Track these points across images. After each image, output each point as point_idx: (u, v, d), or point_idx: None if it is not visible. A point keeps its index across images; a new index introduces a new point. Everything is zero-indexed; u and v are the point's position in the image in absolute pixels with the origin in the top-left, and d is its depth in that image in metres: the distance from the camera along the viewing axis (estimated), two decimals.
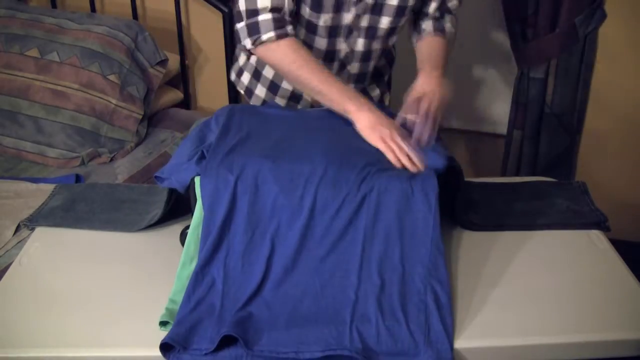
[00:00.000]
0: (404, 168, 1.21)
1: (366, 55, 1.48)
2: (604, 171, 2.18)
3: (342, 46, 1.44)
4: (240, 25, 1.35)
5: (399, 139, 1.23)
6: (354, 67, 1.49)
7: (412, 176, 1.18)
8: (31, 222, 1.38)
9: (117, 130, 2.04)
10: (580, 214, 1.37)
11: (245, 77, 1.61)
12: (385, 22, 1.42)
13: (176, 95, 2.39)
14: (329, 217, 1.15)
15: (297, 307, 1.09)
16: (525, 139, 2.13)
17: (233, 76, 1.66)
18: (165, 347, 1.02)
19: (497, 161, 2.28)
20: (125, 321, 1.10)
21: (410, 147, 1.23)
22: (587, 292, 1.16)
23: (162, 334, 1.03)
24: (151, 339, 1.04)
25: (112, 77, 2.04)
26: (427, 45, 1.47)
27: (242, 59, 1.61)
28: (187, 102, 2.49)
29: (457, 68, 2.31)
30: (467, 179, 1.37)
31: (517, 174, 2.19)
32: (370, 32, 1.43)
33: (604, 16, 1.97)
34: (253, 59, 1.56)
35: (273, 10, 1.31)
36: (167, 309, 1.10)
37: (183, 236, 1.26)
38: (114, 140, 2.04)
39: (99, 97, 2.02)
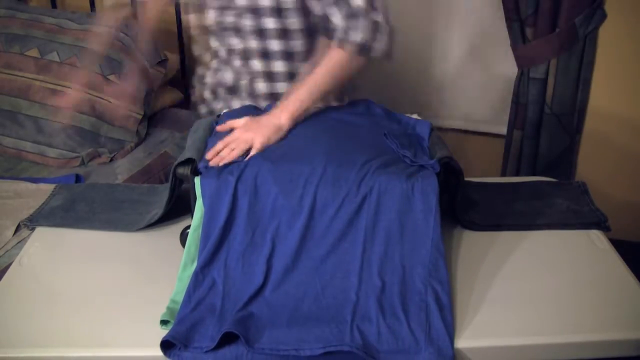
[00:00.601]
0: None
1: (262, 53, 1.47)
2: (604, 171, 2.18)
3: (215, 44, 1.52)
4: None
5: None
6: (254, 64, 1.50)
7: (413, 176, 1.18)
8: (31, 222, 1.38)
9: (117, 130, 2.04)
10: (580, 213, 1.37)
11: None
12: (247, 22, 1.43)
13: (176, 95, 2.38)
14: (328, 218, 1.15)
15: (297, 306, 1.10)
16: (525, 139, 2.13)
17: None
18: (166, 345, 1.03)
19: (497, 161, 2.28)
20: (125, 321, 1.10)
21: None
22: (587, 292, 1.16)
23: (162, 333, 1.03)
24: (151, 338, 1.04)
25: (112, 77, 2.04)
26: (320, 60, 1.37)
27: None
28: (187, 102, 2.49)
29: (457, 68, 2.31)
30: (467, 179, 1.36)
31: (517, 174, 2.19)
32: (258, 32, 1.44)
33: (604, 16, 1.97)
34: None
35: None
36: (168, 308, 1.10)
37: (183, 236, 1.26)
38: (114, 140, 2.04)
39: (99, 97, 2.02)
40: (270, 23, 1.41)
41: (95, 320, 1.10)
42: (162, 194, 1.36)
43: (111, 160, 2.01)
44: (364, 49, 1.34)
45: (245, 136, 1.26)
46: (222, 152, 1.24)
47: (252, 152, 1.24)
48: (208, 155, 1.23)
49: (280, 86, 1.49)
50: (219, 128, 1.34)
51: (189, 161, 1.24)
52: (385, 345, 1.03)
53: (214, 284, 1.13)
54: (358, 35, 1.32)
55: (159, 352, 1.02)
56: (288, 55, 1.46)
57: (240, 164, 1.19)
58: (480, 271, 1.21)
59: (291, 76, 1.48)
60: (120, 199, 1.45)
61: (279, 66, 1.48)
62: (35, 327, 1.08)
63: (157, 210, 1.34)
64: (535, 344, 1.06)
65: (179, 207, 1.35)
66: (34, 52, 2.06)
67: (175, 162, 1.25)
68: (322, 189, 1.15)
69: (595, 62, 2.04)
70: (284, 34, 1.43)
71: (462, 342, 1.05)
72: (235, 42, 1.47)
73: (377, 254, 1.14)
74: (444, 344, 1.03)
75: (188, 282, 1.13)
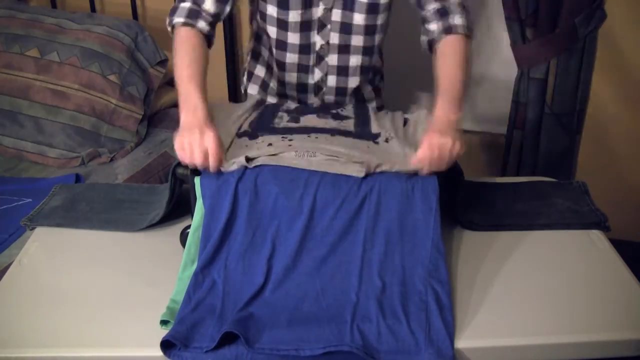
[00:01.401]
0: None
1: (344, 49, 1.48)
2: (604, 171, 2.18)
3: (315, 39, 1.46)
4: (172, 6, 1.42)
5: (197, 145, 1.16)
6: (332, 59, 1.50)
7: (413, 176, 1.18)
8: (31, 222, 1.38)
9: (117, 130, 2.04)
10: (580, 214, 1.37)
11: (245, 78, 1.66)
12: (359, 18, 1.42)
13: (176, 95, 2.37)
14: (329, 218, 1.15)
15: (298, 307, 1.09)
16: (525, 139, 2.13)
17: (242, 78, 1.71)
18: (166, 344, 1.03)
19: (497, 161, 2.28)
20: (125, 321, 1.10)
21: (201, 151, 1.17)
22: (587, 292, 1.16)
23: (162, 334, 1.03)
24: (151, 339, 1.04)
25: (112, 77, 2.04)
26: (442, 58, 1.37)
27: (246, 62, 1.66)
28: None
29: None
30: (467, 178, 1.36)
31: (517, 174, 2.19)
32: (345, 28, 1.44)
33: (604, 16, 1.97)
34: (248, 59, 1.63)
35: (194, 1, 1.39)
36: (168, 308, 1.10)
37: (183, 236, 1.26)
38: (114, 140, 2.04)
39: (99, 97, 2.02)
40: (378, 20, 1.44)
41: (95, 320, 1.10)
42: (163, 193, 1.36)
43: (111, 160, 2.01)
44: (469, 29, 1.40)
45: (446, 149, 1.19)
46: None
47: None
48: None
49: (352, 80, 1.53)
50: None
51: None
52: (385, 346, 1.03)
53: (214, 284, 1.13)
54: (460, 18, 1.38)
55: (159, 352, 1.02)
56: (367, 50, 1.49)
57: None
58: (480, 271, 1.21)
59: (346, 70, 1.51)
60: (120, 198, 1.45)
61: (353, 60, 1.50)
62: (35, 327, 1.08)
63: (158, 211, 1.34)
64: (535, 344, 1.06)
65: (179, 207, 1.35)
66: (34, 52, 2.06)
67: (175, 162, 1.25)
68: (323, 189, 1.15)
69: (595, 62, 2.04)
70: (372, 30, 1.46)
71: (462, 342, 1.05)
72: (336, 37, 1.46)
73: (377, 254, 1.14)
74: (444, 344, 1.03)
75: (188, 282, 1.13)
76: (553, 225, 1.34)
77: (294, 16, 1.41)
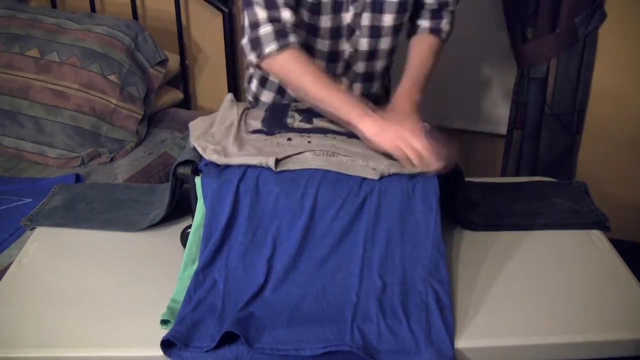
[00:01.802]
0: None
1: (371, 55, 1.46)
2: (604, 171, 2.18)
3: (345, 46, 1.43)
4: (244, 41, 1.34)
5: (409, 138, 1.18)
6: (359, 67, 1.48)
7: (413, 176, 1.18)
8: (31, 222, 1.38)
9: (117, 130, 2.04)
10: (580, 214, 1.37)
11: (254, 85, 1.59)
12: (388, 19, 1.40)
13: (176, 95, 2.39)
14: (329, 218, 1.15)
15: (298, 306, 1.10)
16: (525, 139, 2.13)
17: (245, 84, 1.65)
18: (166, 344, 1.03)
19: (497, 161, 2.28)
20: (125, 321, 1.10)
21: (423, 145, 1.17)
22: (587, 292, 1.16)
23: (162, 334, 1.03)
24: (151, 338, 1.04)
25: (112, 77, 2.04)
26: (419, 47, 1.45)
27: (252, 68, 1.60)
28: (187, 102, 2.49)
29: (458, 68, 2.31)
30: (467, 179, 1.36)
31: (517, 174, 2.19)
32: (374, 31, 1.41)
33: (604, 16, 1.97)
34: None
35: (272, 21, 1.30)
36: (168, 307, 1.10)
37: (183, 236, 1.26)
38: (114, 140, 2.04)
39: (99, 97, 2.02)
40: (405, 17, 1.44)
41: (95, 320, 1.10)
42: (163, 193, 1.36)
43: (111, 160, 2.01)
44: (447, 38, 1.47)
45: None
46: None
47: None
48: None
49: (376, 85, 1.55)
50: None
51: (189, 161, 1.24)
52: (386, 346, 1.03)
53: (214, 284, 1.13)
54: (448, 25, 1.46)
55: (159, 352, 1.02)
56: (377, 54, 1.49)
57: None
58: (480, 271, 1.21)
59: (372, 75, 1.51)
60: (120, 198, 1.45)
61: (378, 65, 1.50)
62: (35, 327, 1.08)
63: (159, 211, 1.34)
64: (535, 344, 1.06)
65: (179, 207, 1.34)
66: (34, 52, 2.06)
67: (175, 162, 1.25)
68: (323, 190, 1.15)
69: (595, 62, 2.04)
70: (398, 29, 1.46)
71: (462, 342, 1.05)
72: (365, 43, 1.43)
73: (378, 254, 1.14)
74: (444, 344, 1.03)
75: (189, 282, 1.13)
76: (553, 225, 1.34)
77: (325, 22, 1.37)
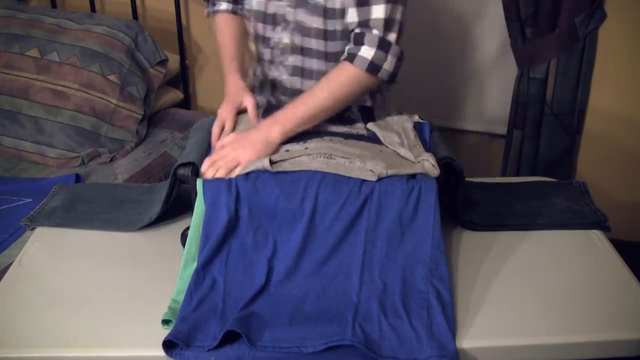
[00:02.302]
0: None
1: (300, 50, 1.43)
2: (604, 171, 2.18)
3: (271, 34, 1.45)
4: None
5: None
6: (287, 59, 1.46)
7: (413, 177, 1.18)
8: (32, 222, 1.38)
9: (117, 130, 2.04)
10: (580, 213, 1.37)
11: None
12: (315, 21, 1.36)
13: (176, 95, 2.39)
14: (330, 219, 1.15)
15: (299, 306, 1.10)
16: (525, 139, 2.13)
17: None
18: (168, 344, 1.03)
19: (497, 161, 2.28)
20: (126, 321, 1.10)
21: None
22: (587, 292, 1.16)
23: (162, 333, 1.03)
24: (151, 339, 1.04)
25: (112, 77, 2.04)
26: (326, 76, 1.31)
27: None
28: (187, 102, 2.49)
29: (458, 68, 2.31)
30: (467, 179, 1.36)
31: (517, 174, 2.19)
32: (300, 29, 1.39)
33: (604, 16, 1.97)
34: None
35: None
36: (169, 307, 1.10)
37: (184, 237, 1.26)
38: (114, 140, 2.04)
39: (99, 97, 2.02)
40: (337, 25, 1.36)
41: (95, 320, 1.10)
42: (162, 191, 1.36)
43: (111, 160, 2.01)
44: (373, 68, 1.28)
45: (234, 154, 1.22)
46: (208, 172, 1.20)
47: (237, 171, 1.19)
48: (202, 171, 1.22)
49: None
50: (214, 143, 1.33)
51: (190, 162, 1.24)
52: (387, 342, 1.03)
53: (215, 282, 1.13)
54: (370, 52, 1.27)
55: (159, 352, 1.02)
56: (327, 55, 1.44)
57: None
58: (480, 271, 1.21)
59: (301, 71, 1.49)
60: (120, 198, 1.45)
61: (314, 64, 1.45)
62: (35, 327, 1.08)
63: (156, 208, 1.34)
64: (535, 344, 1.06)
65: (179, 207, 1.35)
66: (34, 52, 2.06)
67: (176, 164, 1.25)
68: (323, 191, 1.15)
69: (595, 62, 2.04)
70: (332, 35, 1.39)
71: (462, 342, 1.05)
72: (287, 37, 1.44)
73: (378, 255, 1.14)
74: (446, 339, 1.03)
75: (189, 281, 1.13)
76: (553, 225, 1.34)
77: (252, 4, 1.46)
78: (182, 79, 2.44)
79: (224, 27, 1.52)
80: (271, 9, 1.42)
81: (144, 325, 1.08)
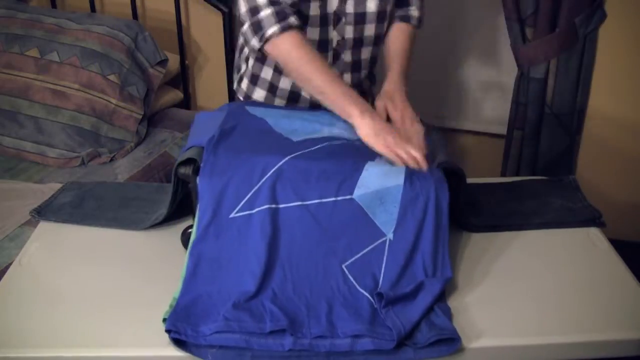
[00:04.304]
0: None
1: (357, 42, 1.46)
2: (604, 171, 2.18)
3: (332, 35, 1.43)
4: (245, 28, 1.34)
5: (404, 145, 1.22)
6: (347, 56, 1.47)
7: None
8: (39, 215, 1.37)
9: (117, 130, 2.04)
10: (574, 211, 1.37)
11: (244, 84, 1.58)
12: (371, 5, 1.41)
13: (176, 95, 2.39)
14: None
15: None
16: (525, 139, 2.13)
17: (235, 85, 1.63)
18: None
19: (497, 161, 2.28)
20: (126, 321, 1.10)
21: (415, 150, 1.22)
22: (586, 291, 1.16)
23: (163, 333, 1.04)
24: (152, 339, 1.04)
25: (112, 77, 2.04)
26: (394, 36, 1.48)
27: (242, 67, 1.59)
28: (187, 102, 2.49)
29: (458, 68, 2.31)
30: (467, 179, 1.36)
31: (517, 174, 2.19)
32: (359, 18, 1.42)
33: (604, 16, 1.97)
34: (251, 63, 1.55)
35: (272, 3, 1.30)
36: (171, 306, 1.10)
37: (184, 236, 1.26)
38: (114, 140, 2.04)
39: (99, 97, 2.02)
40: (389, 5, 1.45)
41: (96, 320, 1.10)
42: (169, 193, 1.35)
43: (111, 160, 2.01)
44: (419, 22, 1.50)
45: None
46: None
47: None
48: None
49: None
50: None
51: (190, 160, 1.23)
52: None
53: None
54: (417, 11, 1.48)
55: (159, 352, 1.02)
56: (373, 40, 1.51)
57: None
58: (479, 272, 1.21)
59: (359, 64, 1.52)
60: (128, 197, 1.44)
61: (365, 53, 1.50)
62: (35, 327, 1.08)
63: (162, 210, 1.34)
64: (535, 344, 1.06)
65: (180, 207, 1.34)
66: (34, 52, 2.06)
67: (176, 162, 1.24)
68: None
69: (595, 62, 2.04)
70: (383, 17, 1.47)
71: (463, 342, 1.05)
72: (350, 30, 1.44)
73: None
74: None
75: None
76: (549, 224, 1.34)
77: (314, 9, 1.37)
78: (182, 79, 2.45)
79: (308, 46, 1.33)
80: (331, 8, 1.39)
81: (144, 325, 1.08)
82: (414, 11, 1.49)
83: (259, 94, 1.55)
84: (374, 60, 1.56)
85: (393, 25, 1.49)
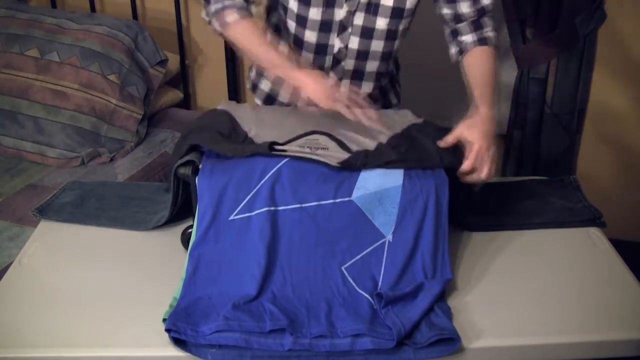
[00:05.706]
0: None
1: (362, 55, 1.46)
2: (604, 171, 2.18)
3: (334, 42, 1.44)
4: (212, 9, 1.38)
5: (346, 95, 1.27)
6: (348, 64, 1.48)
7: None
8: (40, 214, 1.37)
9: (117, 130, 2.04)
10: (574, 211, 1.37)
11: (253, 73, 1.62)
12: (381, 23, 1.41)
13: (176, 95, 2.39)
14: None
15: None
16: (525, 139, 2.13)
17: (247, 72, 1.68)
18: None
19: (497, 161, 2.28)
20: (126, 321, 1.10)
21: (360, 102, 1.27)
22: (586, 291, 1.16)
23: (163, 333, 1.04)
24: (151, 339, 1.04)
25: (112, 77, 2.04)
26: (475, 61, 1.43)
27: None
28: (187, 102, 2.49)
29: (458, 68, 2.31)
30: None
31: (517, 174, 2.19)
32: (366, 32, 1.42)
33: (604, 16, 1.97)
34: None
35: None
36: (171, 306, 1.10)
37: (184, 236, 1.26)
38: (114, 140, 2.04)
39: (99, 97, 2.02)
40: (401, 25, 1.44)
41: (96, 320, 1.10)
42: (171, 193, 1.35)
43: (111, 160, 2.01)
44: (498, 41, 1.46)
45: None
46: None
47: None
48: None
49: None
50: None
51: (190, 161, 1.23)
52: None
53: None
54: (493, 32, 1.45)
55: (159, 352, 1.03)
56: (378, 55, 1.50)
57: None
58: (479, 272, 1.21)
59: (362, 75, 1.51)
60: (130, 196, 1.44)
61: (369, 66, 1.50)
62: (35, 327, 1.08)
63: (165, 212, 1.33)
64: (535, 344, 1.06)
65: (180, 207, 1.34)
66: (34, 52, 2.06)
67: (177, 164, 1.24)
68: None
69: (595, 62, 2.04)
70: (394, 35, 1.46)
71: (463, 342, 1.05)
72: (356, 42, 1.44)
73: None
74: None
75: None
76: (549, 224, 1.34)
77: (314, 13, 1.38)
78: (182, 78, 2.44)
79: (255, 30, 1.38)
80: (338, 16, 1.40)
81: (144, 325, 1.08)
82: (489, 32, 1.44)
83: (266, 85, 1.58)
84: (382, 74, 1.55)
85: (471, 53, 1.44)
